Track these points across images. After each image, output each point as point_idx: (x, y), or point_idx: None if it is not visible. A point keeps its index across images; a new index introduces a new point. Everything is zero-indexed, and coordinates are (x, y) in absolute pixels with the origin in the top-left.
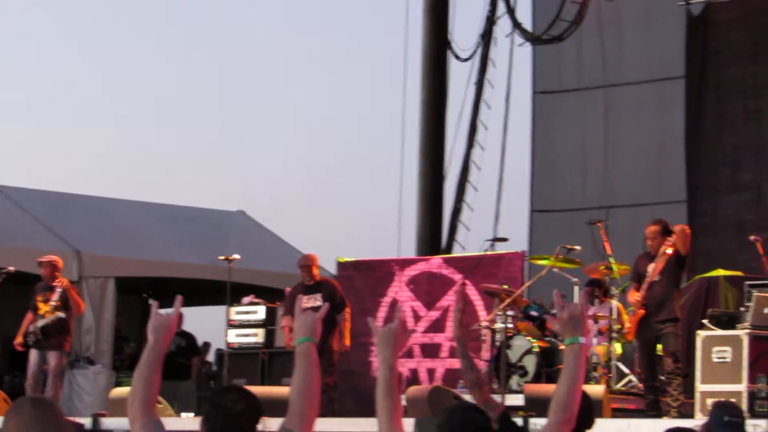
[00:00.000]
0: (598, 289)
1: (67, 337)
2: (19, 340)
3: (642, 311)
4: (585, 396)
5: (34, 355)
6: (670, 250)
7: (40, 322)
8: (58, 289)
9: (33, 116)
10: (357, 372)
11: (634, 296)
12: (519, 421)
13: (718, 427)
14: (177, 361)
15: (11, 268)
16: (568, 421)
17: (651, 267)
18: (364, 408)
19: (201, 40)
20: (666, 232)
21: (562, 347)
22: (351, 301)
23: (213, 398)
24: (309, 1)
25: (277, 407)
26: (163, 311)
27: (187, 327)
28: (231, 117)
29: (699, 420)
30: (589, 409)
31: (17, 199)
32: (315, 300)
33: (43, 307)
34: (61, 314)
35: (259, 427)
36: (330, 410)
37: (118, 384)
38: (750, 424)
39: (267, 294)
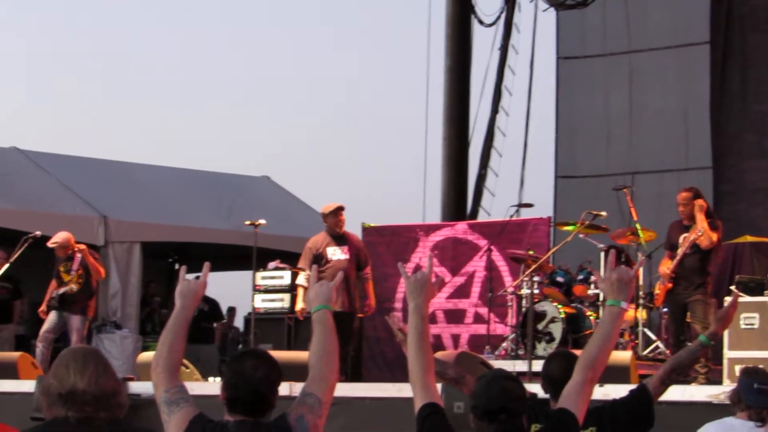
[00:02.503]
0: (623, 254)
1: (89, 302)
2: (42, 308)
3: (670, 285)
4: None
5: (52, 315)
6: (700, 232)
7: (61, 289)
8: (78, 257)
9: (59, 81)
10: (382, 338)
11: (666, 266)
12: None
13: (747, 394)
14: (200, 325)
15: (38, 233)
16: (592, 381)
17: (683, 238)
18: (389, 375)
19: (225, 11)
20: (697, 197)
21: (588, 313)
22: (374, 266)
23: (232, 364)
24: None
25: (303, 372)
26: (190, 276)
27: (213, 292)
28: (254, 83)
29: (727, 386)
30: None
31: (44, 164)
32: (343, 251)
33: (66, 277)
34: (74, 286)
35: (286, 391)
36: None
37: (145, 348)
38: None
39: (292, 259)
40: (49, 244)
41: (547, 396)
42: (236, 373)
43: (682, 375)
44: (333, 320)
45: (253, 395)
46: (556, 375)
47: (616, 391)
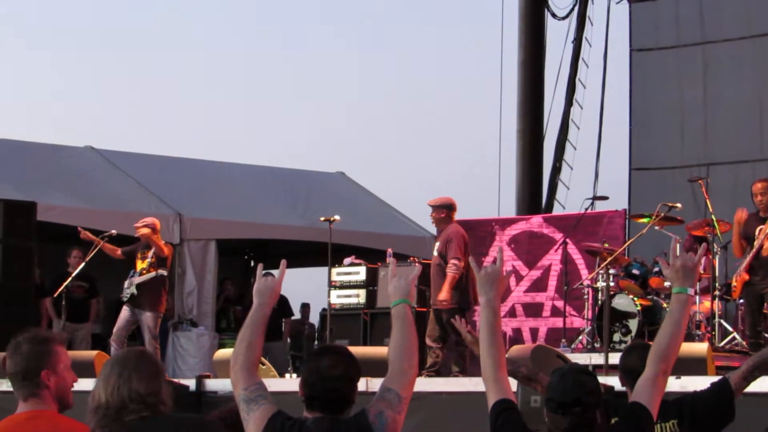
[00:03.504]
0: (700, 245)
1: (160, 297)
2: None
3: (747, 276)
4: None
5: (125, 311)
6: None
7: (136, 280)
8: (154, 246)
9: (133, 81)
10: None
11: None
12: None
13: None
14: (275, 322)
15: (113, 232)
16: (665, 373)
17: (758, 230)
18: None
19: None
20: None
21: (664, 305)
22: None
23: (310, 362)
24: None
25: (379, 367)
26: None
27: (288, 288)
28: (328, 80)
29: None
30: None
31: (119, 164)
32: (436, 247)
33: (140, 264)
34: (144, 268)
35: (362, 387)
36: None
37: (222, 346)
38: None
39: (368, 255)
40: (136, 225)
41: (623, 389)
42: (314, 371)
43: (765, 373)
44: (412, 315)
45: (331, 393)
46: (634, 367)
47: (693, 383)
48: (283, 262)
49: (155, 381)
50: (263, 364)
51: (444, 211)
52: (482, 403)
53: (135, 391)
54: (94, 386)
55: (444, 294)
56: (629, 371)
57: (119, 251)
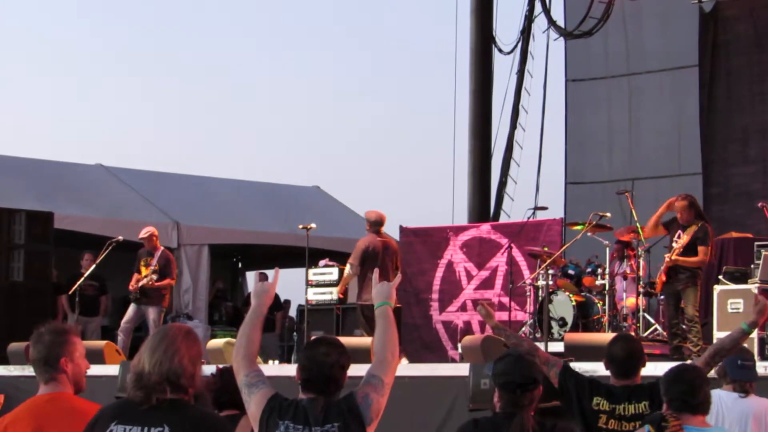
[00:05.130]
0: (626, 249)
1: (164, 295)
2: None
3: (665, 278)
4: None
5: (132, 308)
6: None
7: (141, 283)
8: (157, 254)
9: (144, 104)
10: (420, 325)
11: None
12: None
13: (732, 370)
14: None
15: (120, 238)
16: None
17: (677, 235)
18: (426, 355)
19: (281, 29)
20: (693, 206)
21: (596, 301)
22: (411, 262)
23: (307, 351)
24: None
25: (351, 355)
26: (251, 272)
27: None
28: (305, 103)
29: None
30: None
31: (125, 178)
32: None
33: (144, 271)
34: (154, 276)
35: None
36: None
37: (213, 336)
38: (760, 365)
39: (340, 257)
40: (140, 236)
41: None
42: (310, 358)
43: (723, 358)
44: (393, 314)
45: (325, 377)
46: (618, 355)
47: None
48: (277, 269)
49: (194, 365)
50: None
51: (367, 223)
52: (438, 385)
53: (173, 371)
54: (140, 352)
55: (339, 288)
56: (613, 358)
57: (135, 275)
